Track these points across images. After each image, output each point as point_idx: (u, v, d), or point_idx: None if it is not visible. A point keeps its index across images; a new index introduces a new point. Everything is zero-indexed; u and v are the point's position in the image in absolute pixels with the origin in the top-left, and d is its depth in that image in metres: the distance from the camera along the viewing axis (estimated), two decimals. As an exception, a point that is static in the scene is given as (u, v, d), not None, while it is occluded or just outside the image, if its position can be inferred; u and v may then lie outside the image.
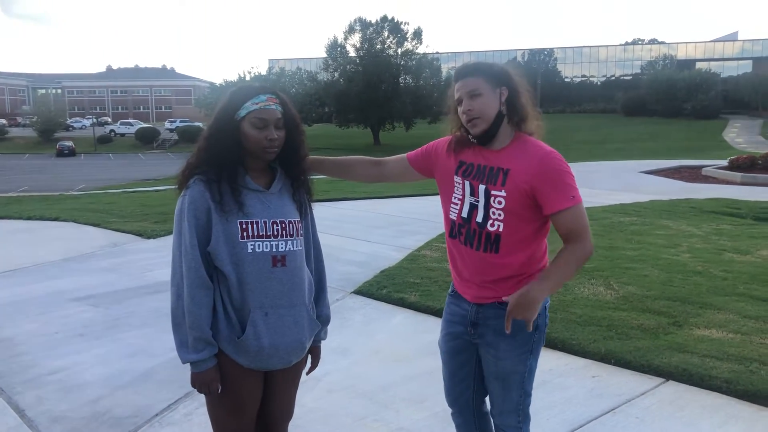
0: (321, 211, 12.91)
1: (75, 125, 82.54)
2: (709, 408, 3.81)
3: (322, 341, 2.59)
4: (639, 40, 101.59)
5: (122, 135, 71.71)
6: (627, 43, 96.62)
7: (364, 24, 59.67)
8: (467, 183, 2.46)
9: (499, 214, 2.38)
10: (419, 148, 2.72)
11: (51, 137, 66.42)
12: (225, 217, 2.18)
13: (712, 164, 23.02)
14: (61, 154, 56.95)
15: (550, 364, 4.52)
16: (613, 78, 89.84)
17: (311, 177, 2.49)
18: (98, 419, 3.75)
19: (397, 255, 7.87)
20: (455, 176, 2.52)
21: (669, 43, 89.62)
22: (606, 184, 18.20)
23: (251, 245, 2.19)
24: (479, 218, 2.42)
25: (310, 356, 2.52)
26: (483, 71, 2.40)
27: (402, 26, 59.53)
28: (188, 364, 2.21)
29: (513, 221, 2.36)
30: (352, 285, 6.54)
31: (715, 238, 9.09)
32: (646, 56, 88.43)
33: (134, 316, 5.59)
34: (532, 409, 3.77)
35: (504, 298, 2.32)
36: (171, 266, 2.23)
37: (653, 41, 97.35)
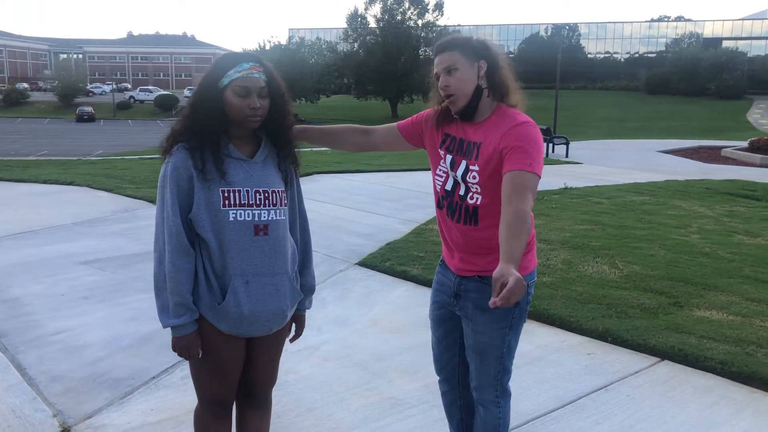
0: (332, 183, 12.98)
1: (95, 91, 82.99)
2: (701, 389, 3.81)
3: (308, 310, 2.60)
4: (665, 16, 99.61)
5: (141, 102, 71.91)
6: (652, 20, 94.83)
7: (385, -6, 59.06)
8: (449, 157, 2.48)
9: (476, 188, 2.39)
10: (409, 118, 2.71)
11: (71, 102, 66.79)
12: (207, 185, 2.19)
13: (732, 145, 22.71)
14: (81, 119, 57.34)
15: (545, 340, 4.54)
16: (637, 55, 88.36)
17: (299, 148, 2.48)
18: (96, 380, 3.83)
19: (404, 228, 7.88)
20: (439, 149, 2.54)
21: (695, 21, 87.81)
22: (622, 162, 18.06)
23: (233, 213, 2.20)
24: (461, 191, 2.44)
25: (294, 324, 2.55)
26: (459, 45, 2.38)
27: (423, -3, 58.89)
28: (169, 328, 2.24)
29: (489, 194, 2.37)
30: (356, 257, 6.57)
31: (727, 219, 9.00)
32: (672, 33, 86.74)
33: (139, 280, 5.66)
34: (524, 384, 3.84)
35: (492, 302, 2.03)
36: (154, 232, 2.26)
37: (679, 18, 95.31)
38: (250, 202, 2.23)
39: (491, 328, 2.49)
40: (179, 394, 3.66)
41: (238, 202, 2.21)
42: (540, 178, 2.28)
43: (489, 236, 2.39)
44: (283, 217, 2.32)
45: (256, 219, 2.24)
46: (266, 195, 2.26)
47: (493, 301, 1.96)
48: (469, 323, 2.55)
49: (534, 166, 2.24)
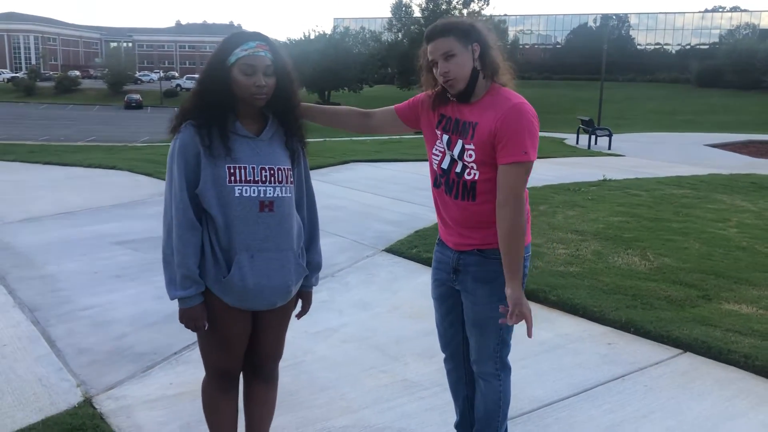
0: (368, 171, 13.03)
1: (143, 78, 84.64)
2: (721, 381, 3.74)
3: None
4: (720, 7, 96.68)
5: (188, 90, 72.82)
6: (706, 11, 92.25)
7: (430, -16, 58.80)
8: (445, 137, 2.53)
9: (473, 166, 2.44)
10: (407, 101, 2.76)
11: (120, 90, 68.37)
12: (213, 161, 2.24)
13: (784, 139, 21.99)
14: (129, 106, 58.62)
15: (567, 329, 4.51)
16: (689, 47, 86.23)
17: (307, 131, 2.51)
18: (120, 353, 3.95)
19: (434, 216, 7.81)
20: (436, 129, 2.59)
21: (752, 11, 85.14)
22: (667, 155, 17.66)
23: (238, 189, 2.25)
24: (458, 169, 2.49)
25: (301, 300, 2.59)
26: (453, 30, 2.41)
27: (469, -13, 58.42)
28: (176, 300, 2.31)
29: (486, 170, 2.43)
30: (384, 243, 6.61)
31: (769, 214, 8.74)
32: (726, 25, 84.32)
33: (170, 261, 5.79)
34: (540, 370, 3.83)
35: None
36: (163, 207, 2.33)
37: (735, 9, 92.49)
38: (256, 179, 2.27)
39: (490, 300, 2.54)
40: (198, 369, 3.69)
41: (243, 179, 2.26)
42: (534, 161, 2.37)
43: (487, 210, 2.46)
44: (288, 195, 2.36)
45: (262, 195, 2.28)
46: (272, 172, 2.30)
47: (505, 320, 2.43)
48: (468, 296, 2.60)
49: (529, 152, 2.34)
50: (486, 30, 2.48)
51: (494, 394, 2.67)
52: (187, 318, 2.31)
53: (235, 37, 2.29)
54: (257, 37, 2.29)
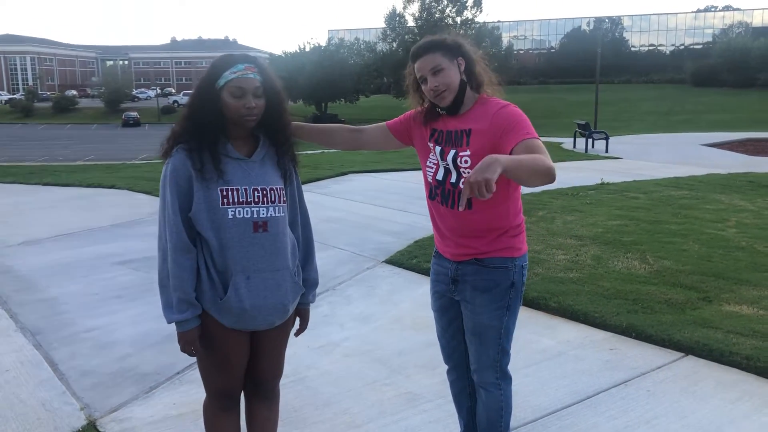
0: (367, 182, 13.02)
1: (140, 96, 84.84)
2: (724, 384, 3.75)
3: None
4: (712, 6, 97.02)
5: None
6: (699, 11, 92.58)
7: (423, -8, 59.05)
8: (438, 148, 2.58)
9: (468, 172, 2.46)
10: (398, 117, 2.81)
11: (117, 108, 68.50)
12: (206, 184, 2.26)
13: (780, 137, 22.02)
14: (127, 124, 58.70)
15: (568, 335, 4.52)
16: (683, 47, 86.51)
17: (298, 149, 2.53)
18: (124, 374, 3.96)
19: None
20: (429, 142, 2.64)
21: (744, 10, 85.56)
22: (663, 156, 17.69)
23: (232, 211, 2.27)
24: (453, 179, 2.53)
25: (298, 318, 2.61)
26: (438, 47, 2.49)
27: (462, -6, 58.68)
28: (174, 324, 2.32)
29: None
30: (384, 254, 6.61)
31: (768, 213, 8.75)
32: (719, 24, 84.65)
33: (171, 279, 5.80)
34: (542, 378, 3.84)
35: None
36: (158, 231, 2.34)
37: (727, 8, 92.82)
38: (249, 200, 2.29)
39: (489, 309, 2.57)
40: (201, 388, 3.71)
41: (236, 200, 2.28)
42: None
43: (484, 218, 2.51)
44: (282, 214, 2.38)
45: (255, 216, 2.30)
46: (264, 192, 2.32)
47: (463, 203, 2.05)
48: (467, 306, 2.63)
49: (532, 134, 2.35)
50: (469, 44, 2.56)
51: (496, 403, 2.69)
52: (184, 341, 2.32)
53: (224, 59, 2.31)
54: (246, 59, 2.31)
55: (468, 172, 2.45)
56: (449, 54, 2.48)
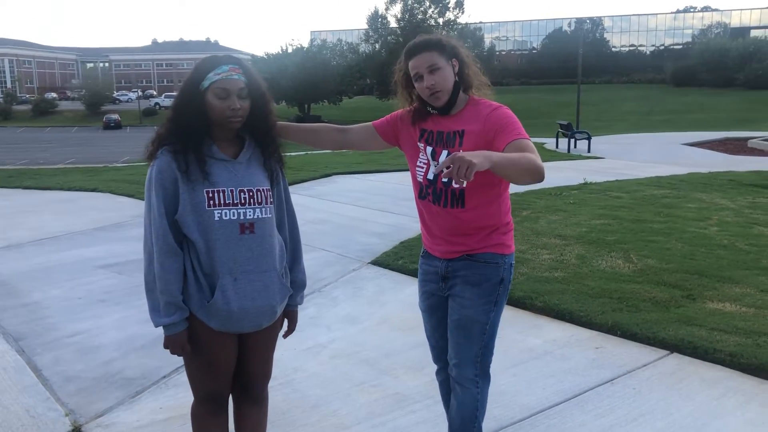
0: (351, 184, 13.00)
1: (121, 98, 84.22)
2: (709, 380, 3.78)
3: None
4: (691, 7, 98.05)
5: (167, 108, 72.68)
6: (678, 11, 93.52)
7: (406, -7, 59.16)
8: (429, 149, 2.59)
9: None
10: (385, 117, 2.81)
11: (98, 110, 67.94)
12: (191, 186, 2.24)
13: (759, 136, 22.29)
14: (108, 126, 58.29)
15: (554, 335, 4.54)
16: (663, 47, 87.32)
17: (284, 150, 2.52)
18: (109, 379, 3.92)
19: (419, 226, 7.87)
20: (418, 142, 2.64)
21: (722, 10, 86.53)
22: (645, 156, 17.85)
23: (218, 213, 2.26)
24: (444, 178, 2.49)
25: (286, 320, 2.60)
26: (436, 46, 2.50)
27: (444, -5, 58.87)
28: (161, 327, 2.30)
29: (475, 177, 2.42)
30: (370, 256, 6.61)
31: (749, 211, 8.86)
32: (698, 24, 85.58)
33: (155, 283, 5.76)
34: (529, 378, 3.85)
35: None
36: (143, 234, 2.32)
37: (706, 8, 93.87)
38: (235, 202, 2.28)
39: (477, 303, 2.58)
40: (188, 392, 3.67)
41: (222, 202, 2.26)
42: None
43: (476, 216, 2.53)
44: (269, 215, 2.37)
45: (242, 218, 2.29)
46: (251, 194, 2.31)
47: (439, 168, 2.05)
48: (456, 299, 2.63)
49: (523, 135, 2.39)
50: (462, 47, 2.58)
51: (471, 402, 2.67)
52: (172, 344, 2.31)
53: (208, 61, 2.30)
54: (230, 60, 2.30)
55: None
56: (445, 54, 2.50)
